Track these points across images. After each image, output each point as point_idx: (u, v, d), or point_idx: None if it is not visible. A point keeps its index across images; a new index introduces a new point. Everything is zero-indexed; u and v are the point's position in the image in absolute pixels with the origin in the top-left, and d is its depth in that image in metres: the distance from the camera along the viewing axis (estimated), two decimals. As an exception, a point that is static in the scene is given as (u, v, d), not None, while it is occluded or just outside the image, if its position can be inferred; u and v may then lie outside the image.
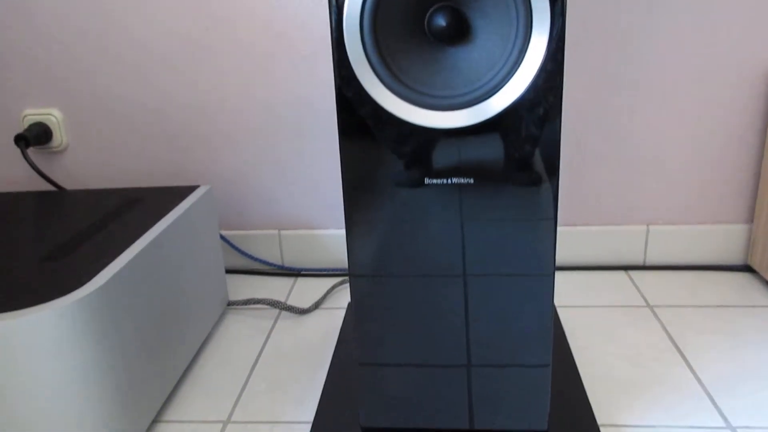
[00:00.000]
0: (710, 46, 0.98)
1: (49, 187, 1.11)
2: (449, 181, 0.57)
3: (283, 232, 1.13)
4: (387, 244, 0.60)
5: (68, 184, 1.12)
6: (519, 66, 0.54)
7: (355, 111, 0.56)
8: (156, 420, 0.76)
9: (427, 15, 0.55)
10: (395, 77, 0.55)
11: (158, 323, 0.75)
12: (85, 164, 1.11)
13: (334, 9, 0.54)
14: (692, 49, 0.99)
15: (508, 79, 0.54)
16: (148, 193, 0.93)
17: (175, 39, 1.03)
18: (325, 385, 0.77)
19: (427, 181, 0.57)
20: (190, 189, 0.94)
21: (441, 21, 0.54)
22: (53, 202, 0.91)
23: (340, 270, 1.14)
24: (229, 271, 1.15)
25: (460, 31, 0.55)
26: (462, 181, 0.57)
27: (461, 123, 0.55)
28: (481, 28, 0.55)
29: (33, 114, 1.08)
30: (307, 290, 1.08)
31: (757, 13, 0.96)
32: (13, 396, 0.60)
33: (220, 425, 0.75)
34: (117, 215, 0.83)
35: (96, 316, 0.63)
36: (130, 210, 0.85)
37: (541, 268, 0.59)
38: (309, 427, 0.74)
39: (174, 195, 0.91)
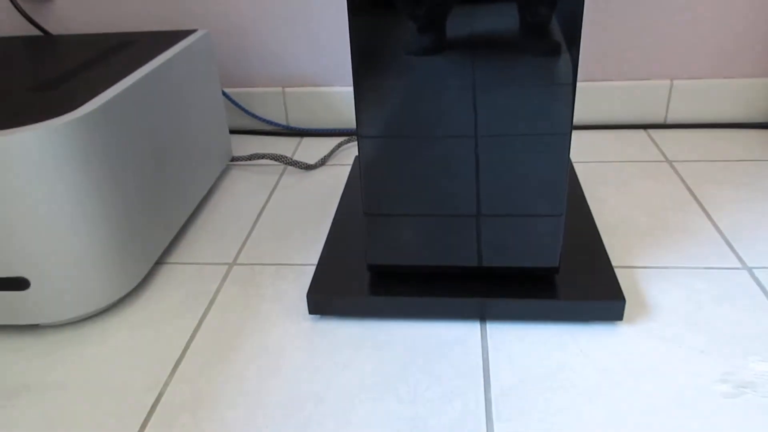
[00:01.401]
0: None
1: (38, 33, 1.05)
2: (462, 38, 0.51)
3: (287, 89, 1.08)
4: (397, 107, 0.56)
5: (57, 32, 1.06)
6: None
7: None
8: (160, 262, 0.75)
9: None
10: None
11: (158, 162, 0.73)
12: (75, 10, 1.04)
13: None
14: None
15: None
16: (142, 36, 0.87)
17: None
18: (330, 231, 0.75)
19: (439, 39, 0.52)
20: (186, 33, 0.88)
21: None
22: (41, 46, 0.86)
23: (347, 129, 1.10)
24: (232, 132, 1.12)
25: None
26: (476, 39, 0.51)
27: None
28: None
29: (17, -43, 1.00)
30: (312, 149, 1.05)
31: None
32: (8, 222, 0.58)
33: (226, 267, 0.74)
34: (110, 55, 0.79)
35: (91, 139, 0.60)
36: (124, 50, 0.80)
37: (558, 128, 0.55)
38: (314, 268, 0.73)
39: (170, 37, 0.85)
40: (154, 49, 0.79)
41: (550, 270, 0.63)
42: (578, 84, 1.03)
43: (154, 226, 0.72)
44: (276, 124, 1.11)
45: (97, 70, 0.72)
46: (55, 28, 1.06)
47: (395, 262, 0.64)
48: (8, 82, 0.70)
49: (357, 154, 0.97)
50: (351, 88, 1.06)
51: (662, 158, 0.94)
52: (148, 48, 0.80)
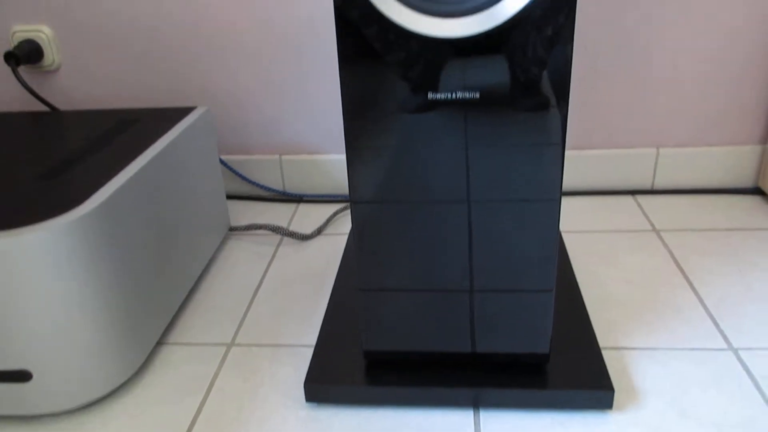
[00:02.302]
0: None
1: (43, 108, 1.08)
2: (454, 95, 0.54)
3: (284, 157, 1.11)
4: (389, 169, 0.58)
5: (61, 105, 1.09)
6: None
7: (355, 26, 0.53)
8: (160, 342, 0.77)
9: None
10: None
11: (159, 245, 0.75)
12: (79, 84, 1.07)
13: None
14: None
15: None
16: (144, 114, 0.90)
17: (166, -49, 0.98)
18: (327, 309, 0.76)
19: (431, 96, 0.54)
20: (188, 110, 0.91)
21: None
22: (47, 123, 0.88)
23: (343, 196, 1.12)
24: (230, 197, 1.14)
25: None
26: (467, 95, 0.54)
27: (469, 31, 0.52)
28: None
29: (22, 31, 1.03)
30: (309, 216, 1.07)
31: None
32: (12, 317, 0.60)
33: (224, 348, 0.75)
34: (112, 136, 0.81)
35: (95, 235, 0.62)
36: (126, 131, 0.83)
37: (548, 193, 0.57)
38: (311, 350, 0.74)
39: (171, 116, 0.88)
40: (156, 131, 0.82)
41: (541, 357, 0.65)
42: (567, 152, 1.06)
43: (154, 309, 0.73)
44: (273, 190, 1.13)
45: (99, 156, 0.74)
46: (59, 98, 1.08)
47: (390, 348, 0.66)
48: (12, 167, 0.72)
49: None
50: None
51: (649, 227, 0.97)
52: (150, 130, 0.83)
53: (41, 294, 0.59)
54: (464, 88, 0.54)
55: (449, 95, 0.54)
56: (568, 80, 0.53)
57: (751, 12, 0.95)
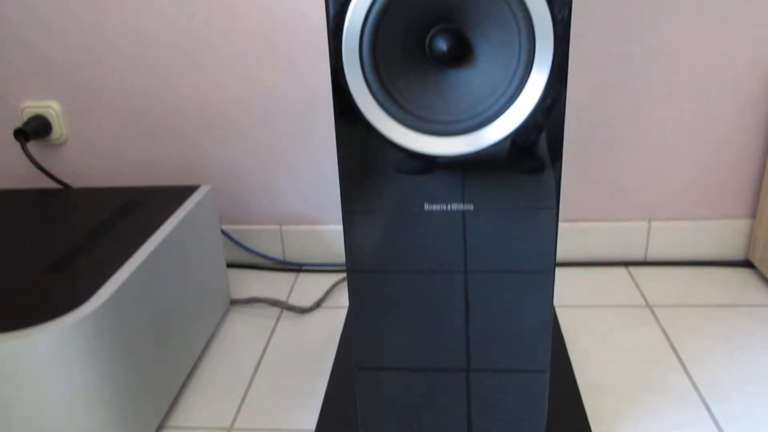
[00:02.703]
0: (716, 41, 0.96)
1: (49, 182, 1.11)
2: (448, 207, 0.57)
3: (284, 227, 1.13)
4: (385, 236, 0.59)
5: (68, 177, 1.12)
6: (520, 93, 0.53)
7: (352, 128, 0.56)
8: (162, 426, 0.78)
9: (429, 36, 0.54)
10: (394, 101, 0.54)
11: (161, 329, 0.76)
12: (86, 157, 1.10)
13: (332, 32, 0.53)
14: (697, 44, 0.97)
15: (509, 106, 0.54)
16: (148, 194, 0.92)
17: (175, 30, 1.02)
18: (327, 389, 0.78)
19: (426, 207, 0.57)
20: (192, 189, 0.93)
21: (442, 45, 0.53)
22: (52, 205, 0.91)
23: (342, 265, 1.14)
24: (230, 265, 1.16)
25: (461, 54, 0.54)
26: (461, 207, 0.57)
27: (461, 150, 0.55)
28: (483, 52, 0.54)
29: (32, 106, 1.07)
30: (309, 286, 1.09)
31: (764, 10, 0.94)
32: (15, 413, 0.61)
33: None
34: (117, 220, 0.83)
35: (98, 332, 0.64)
36: (131, 213, 0.85)
37: (543, 261, 0.58)
38: (311, 434, 0.75)
39: (175, 196, 0.91)
40: (161, 215, 0.84)
41: (536, 450, 0.66)
42: (561, 225, 1.09)
43: (156, 393, 0.75)
44: (273, 259, 1.15)
45: (104, 243, 0.76)
46: (66, 171, 1.11)
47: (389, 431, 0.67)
48: (17, 256, 0.74)
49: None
50: (345, 225, 1.11)
51: (643, 302, 0.99)
52: (155, 213, 0.85)
53: (43, 390, 0.61)
54: (457, 198, 0.57)
55: (443, 206, 0.57)
56: (558, 188, 0.55)
57: (738, 93, 0.99)
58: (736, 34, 0.96)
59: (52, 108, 1.06)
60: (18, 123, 1.08)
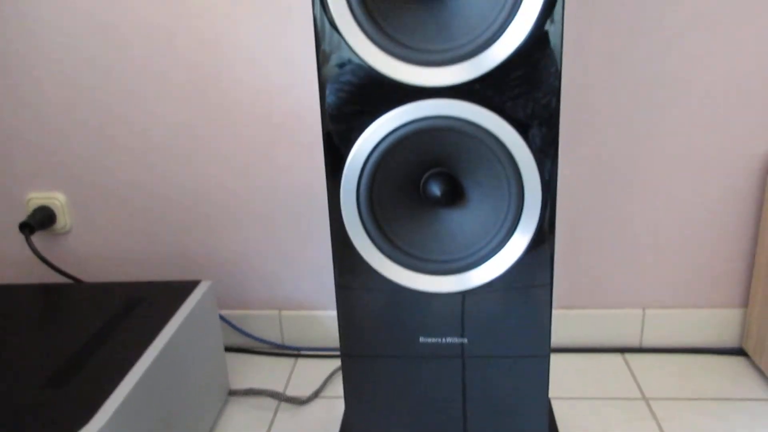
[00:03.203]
0: (707, 135, 1.00)
1: (52, 273, 1.12)
2: (443, 340, 0.58)
3: (283, 313, 1.14)
4: (380, 321, 0.60)
5: (71, 265, 1.13)
6: (511, 237, 0.55)
7: (350, 265, 0.58)
8: None
9: (423, 179, 0.57)
10: (390, 242, 0.57)
11: (162, 429, 0.77)
12: (89, 246, 1.12)
13: (330, 184, 0.55)
14: (689, 137, 1.00)
15: (500, 249, 0.56)
16: (149, 291, 0.94)
17: (176, 129, 1.05)
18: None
19: (422, 339, 0.59)
20: (192, 285, 0.95)
21: (436, 190, 0.56)
22: (55, 303, 0.92)
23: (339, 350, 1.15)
24: (228, 349, 1.17)
25: (454, 197, 0.56)
26: (456, 340, 0.58)
27: (452, 289, 0.57)
28: (475, 196, 0.56)
29: (37, 198, 1.09)
30: (307, 372, 1.09)
31: (755, 107, 0.98)
32: None
33: None
34: (118, 323, 0.85)
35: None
36: (132, 315, 0.86)
37: (538, 344, 0.59)
38: None
39: (176, 295, 0.92)
40: (163, 316, 0.85)
41: None
42: (556, 312, 1.10)
43: (153, 505, 0.75)
44: (272, 344, 1.16)
45: (106, 350, 0.78)
46: (68, 258, 1.13)
47: None
48: (19, 366, 0.75)
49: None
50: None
51: (639, 394, 0.99)
52: (157, 313, 0.86)
53: None
54: (452, 332, 0.58)
55: (438, 340, 0.58)
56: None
57: (728, 186, 1.02)
58: (728, 130, 0.99)
59: (57, 199, 1.09)
60: (23, 213, 1.11)
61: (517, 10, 0.50)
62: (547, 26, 0.51)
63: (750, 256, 1.05)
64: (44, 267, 1.13)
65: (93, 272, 1.14)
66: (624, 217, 1.05)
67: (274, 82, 1.02)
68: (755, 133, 0.99)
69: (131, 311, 0.88)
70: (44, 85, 1.04)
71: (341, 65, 0.53)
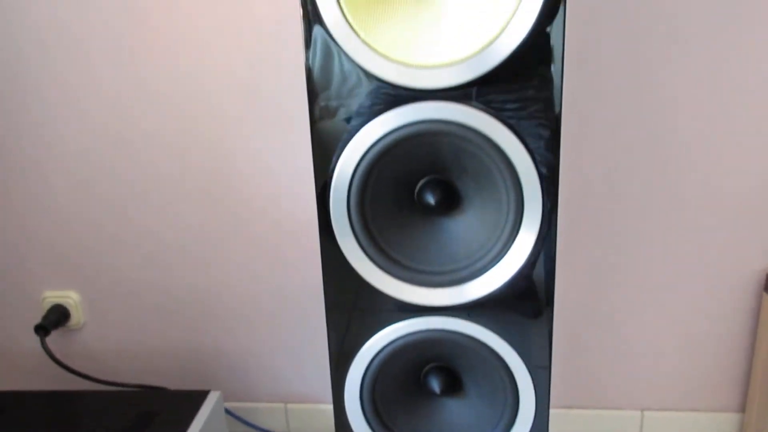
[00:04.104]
0: (704, 247, 1.02)
1: (64, 373, 1.15)
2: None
3: (289, 406, 1.17)
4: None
5: (84, 359, 1.17)
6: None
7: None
8: None
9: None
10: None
11: None
12: (101, 341, 1.15)
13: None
14: (690, 253, 1.02)
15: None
16: (161, 402, 0.97)
17: (188, 231, 1.08)
18: None
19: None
20: (202, 396, 0.98)
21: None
22: (66, 415, 0.95)
23: (344, 441, 1.17)
24: (236, 439, 1.19)
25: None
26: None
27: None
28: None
29: (52, 296, 1.13)
30: (311, 468, 1.12)
31: (753, 225, 1.00)
32: None
33: None
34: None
35: None
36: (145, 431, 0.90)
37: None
38: None
39: (187, 407, 0.95)
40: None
41: None
42: (554, 411, 1.13)
43: None
44: (277, 436, 1.19)
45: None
46: (80, 352, 1.16)
47: None
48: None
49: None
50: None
51: (636, 504, 1.01)
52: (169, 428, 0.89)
53: None
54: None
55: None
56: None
57: (726, 293, 1.04)
58: (727, 247, 1.01)
59: (71, 298, 1.12)
60: (39, 311, 1.14)
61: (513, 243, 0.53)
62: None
63: (747, 363, 1.07)
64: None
65: (105, 366, 1.17)
66: (623, 321, 1.07)
67: (283, 189, 1.05)
68: (753, 249, 1.01)
69: (144, 427, 0.91)
70: (60, 191, 1.08)
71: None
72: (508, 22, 0.51)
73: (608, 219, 1.02)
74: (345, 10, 0.53)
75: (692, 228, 1.01)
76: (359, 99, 0.55)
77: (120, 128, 1.04)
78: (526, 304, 0.59)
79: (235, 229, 1.07)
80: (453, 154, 0.57)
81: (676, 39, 0.93)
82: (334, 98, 0.55)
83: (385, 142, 0.55)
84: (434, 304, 0.60)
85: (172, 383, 1.18)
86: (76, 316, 1.13)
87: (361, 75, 0.54)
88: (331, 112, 0.55)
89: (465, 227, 0.60)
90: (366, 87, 0.54)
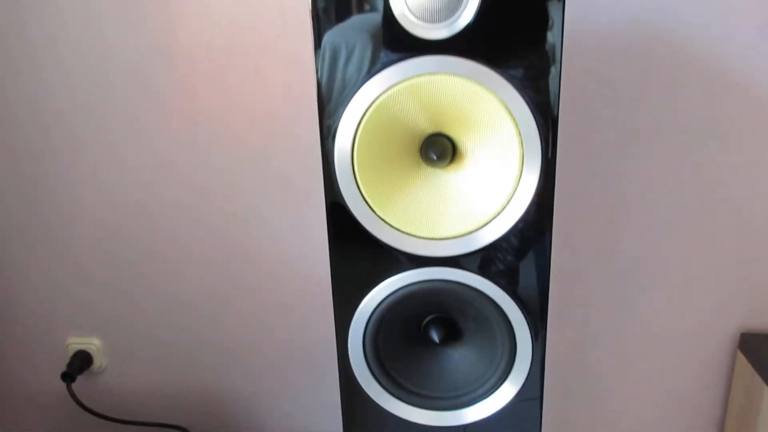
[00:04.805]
0: (683, 308, 1.09)
1: (89, 415, 1.24)
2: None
3: (295, 445, 1.27)
4: None
5: (105, 399, 1.25)
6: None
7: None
8: None
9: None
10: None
11: None
12: (122, 383, 1.24)
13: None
14: (667, 309, 1.10)
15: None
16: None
17: (202, 290, 1.15)
18: None
19: None
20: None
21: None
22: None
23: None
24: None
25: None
26: None
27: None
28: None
29: (76, 343, 1.20)
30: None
31: (725, 286, 1.07)
32: None
33: None
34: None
35: None
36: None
37: None
38: None
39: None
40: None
41: None
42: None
43: None
44: (286, 468, 1.29)
45: None
46: (102, 392, 1.24)
47: None
48: None
49: None
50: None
51: None
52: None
53: None
54: None
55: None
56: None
57: (700, 355, 1.12)
58: (705, 304, 1.09)
59: (93, 344, 1.20)
60: (63, 356, 1.22)
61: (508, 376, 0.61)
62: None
63: (721, 418, 1.16)
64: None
65: (126, 405, 1.26)
66: (607, 375, 1.15)
67: (292, 253, 1.12)
68: (729, 311, 1.09)
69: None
70: (84, 249, 1.14)
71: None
72: (500, 211, 0.58)
73: (596, 284, 1.09)
74: (363, 191, 0.59)
75: (672, 290, 1.08)
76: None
77: (140, 197, 1.10)
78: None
79: (248, 288, 1.14)
80: (456, 301, 0.64)
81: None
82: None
83: (395, 296, 0.63)
84: (437, 424, 0.68)
85: (192, 423, 1.27)
86: (99, 360, 1.21)
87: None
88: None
89: (465, 359, 0.67)
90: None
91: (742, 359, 1.08)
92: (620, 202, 1.04)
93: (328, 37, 0.53)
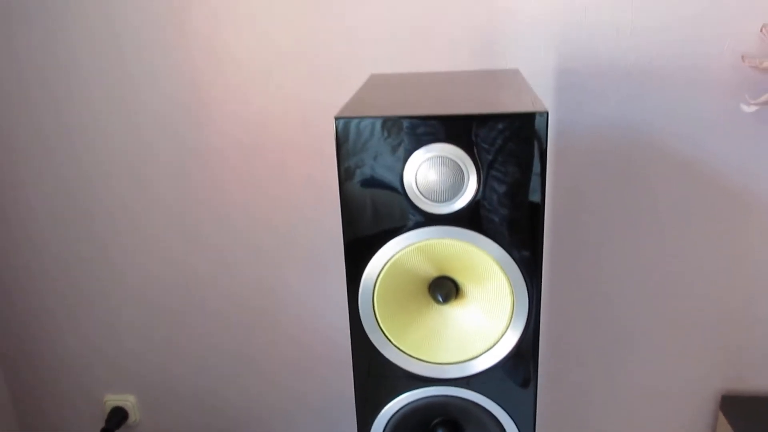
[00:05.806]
0: (668, 373, 1.20)
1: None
2: None
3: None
4: None
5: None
6: None
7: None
8: None
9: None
10: None
11: None
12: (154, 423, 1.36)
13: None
14: (653, 373, 1.21)
15: None
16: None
17: (227, 354, 1.27)
18: None
19: None
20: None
21: None
22: None
23: None
24: None
25: None
26: None
27: None
28: None
29: (112, 399, 1.32)
30: None
31: (707, 352, 1.18)
32: None
33: None
34: None
35: None
36: None
37: None
38: None
39: None
40: None
41: None
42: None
43: None
44: None
45: None
46: (135, 440, 1.37)
47: None
48: None
49: None
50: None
51: None
52: None
53: None
54: None
55: None
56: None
57: (685, 415, 1.23)
58: (688, 369, 1.20)
59: (129, 401, 1.32)
60: (101, 411, 1.34)
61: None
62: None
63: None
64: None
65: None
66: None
67: (315, 318, 1.24)
68: (710, 376, 1.20)
69: None
70: (120, 318, 1.26)
71: None
72: (496, 341, 0.70)
73: (589, 346, 1.21)
74: (381, 323, 0.71)
75: (658, 356, 1.20)
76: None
77: (174, 271, 1.22)
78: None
79: (270, 352, 1.26)
80: (457, 409, 0.76)
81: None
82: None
83: (406, 409, 0.75)
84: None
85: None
86: (134, 416, 1.33)
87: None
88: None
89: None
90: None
91: (723, 421, 1.19)
92: (611, 277, 1.15)
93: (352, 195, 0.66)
